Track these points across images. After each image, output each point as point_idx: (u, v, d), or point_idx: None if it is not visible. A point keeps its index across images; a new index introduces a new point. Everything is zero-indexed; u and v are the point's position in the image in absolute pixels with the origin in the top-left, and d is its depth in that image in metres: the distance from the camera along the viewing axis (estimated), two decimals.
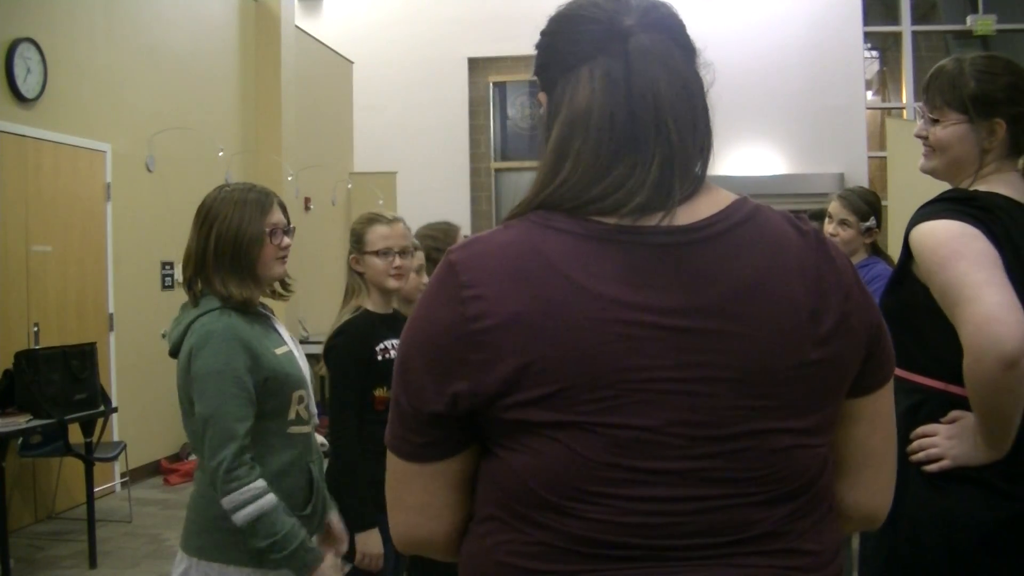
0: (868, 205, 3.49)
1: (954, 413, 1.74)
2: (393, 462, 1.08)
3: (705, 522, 0.98)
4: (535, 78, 1.13)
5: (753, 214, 1.04)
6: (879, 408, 1.11)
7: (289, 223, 2.25)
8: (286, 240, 2.23)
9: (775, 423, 1.00)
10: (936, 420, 1.77)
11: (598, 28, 1.05)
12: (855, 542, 3.71)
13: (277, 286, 2.28)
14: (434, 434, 1.03)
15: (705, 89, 1.08)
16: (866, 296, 1.07)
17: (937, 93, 1.88)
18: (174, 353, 2.17)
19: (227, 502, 2.00)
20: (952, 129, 1.86)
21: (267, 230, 2.17)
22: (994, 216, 1.73)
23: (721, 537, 0.98)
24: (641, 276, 0.98)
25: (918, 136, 1.94)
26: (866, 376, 1.08)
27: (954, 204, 1.76)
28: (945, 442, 1.74)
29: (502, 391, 0.98)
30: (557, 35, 1.10)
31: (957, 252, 1.67)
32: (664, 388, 0.97)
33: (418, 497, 1.07)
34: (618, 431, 0.96)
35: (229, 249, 2.14)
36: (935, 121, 1.89)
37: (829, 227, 3.48)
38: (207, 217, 2.17)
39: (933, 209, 1.77)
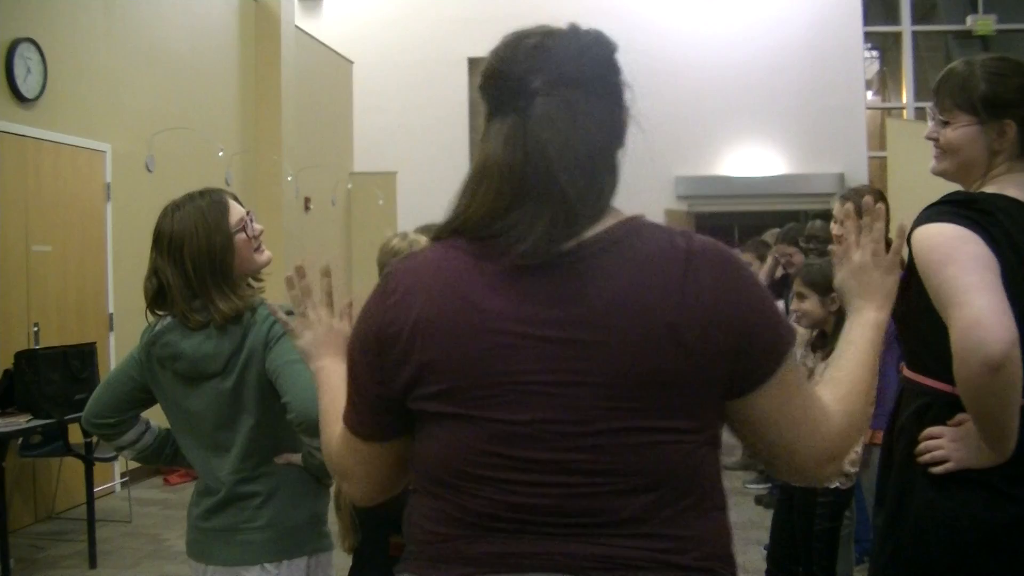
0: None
1: (960, 416, 1.74)
2: (345, 435, 1.30)
3: (573, 506, 1.13)
4: None
5: (628, 236, 1.17)
6: (773, 397, 1.19)
7: (246, 209, 2.19)
8: (257, 227, 2.18)
9: (635, 422, 1.13)
10: (943, 422, 1.78)
11: (509, 86, 1.18)
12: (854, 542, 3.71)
13: (251, 279, 2.22)
14: (374, 419, 1.25)
15: (622, 127, 1.22)
16: (734, 305, 1.15)
17: (947, 95, 1.88)
18: (217, 370, 2.10)
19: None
20: (962, 131, 1.86)
21: (233, 231, 2.12)
22: (994, 219, 1.73)
23: (587, 519, 1.13)
24: (523, 293, 1.15)
25: (928, 138, 1.94)
26: (745, 375, 1.17)
27: (953, 207, 1.76)
28: (950, 444, 1.75)
29: (409, 386, 1.18)
30: (484, 84, 1.22)
31: (948, 256, 1.68)
32: (535, 389, 1.13)
33: (360, 467, 1.31)
34: (496, 424, 1.14)
35: (207, 266, 2.08)
36: (945, 123, 1.89)
37: (836, 228, 3.48)
38: (172, 243, 2.10)
39: (932, 212, 1.78)
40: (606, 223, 1.18)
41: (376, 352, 1.20)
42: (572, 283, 1.14)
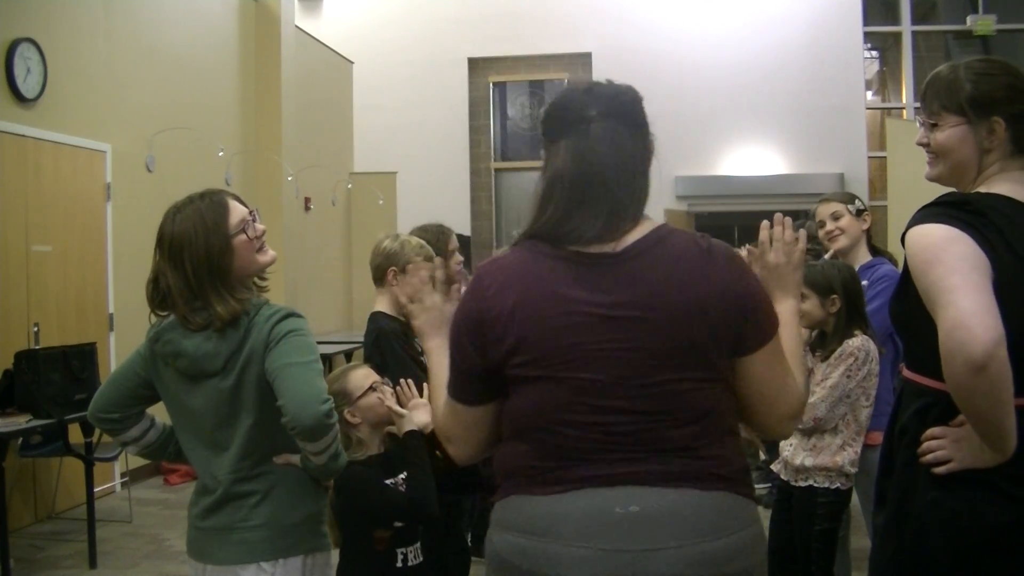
0: (849, 194, 3.61)
1: (961, 416, 1.74)
2: (451, 404, 1.70)
3: (638, 438, 1.55)
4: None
5: (664, 238, 1.60)
6: (765, 361, 1.62)
7: (249, 208, 2.19)
8: (259, 227, 2.19)
9: (675, 375, 1.55)
10: (944, 423, 1.78)
11: (571, 116, 1.63)
12: (854, 542, 3.71)
13: (255, 278, 2.23)
14: (474, 386, 1.65)
15: (649, 153, 1.65)
16: (742, 288, 1.59)
17: (934, 99, 1.90)
18: (217, 369, 2.11)
19: (331, 436, 2.04)
20: (951, 132, 1.87)
21: (232, 233, 2.12)
22: (987, 219, 1.74)
23: (650, 446, 1.55)
24: (589, 283, 1.57)
25: (919, 144, 1.95)
26: (748, 339, 1.60)
27: (945, 208, 1.77)
28: (952, 444, 1.76)
29: (506, 357, 1.58)
30: (550, 115, 1.68)
31: (936, 257, 1.69)
32: (603, 355, 1.55)
33: (463, 431, 1.70)
34: (576, 381, 1.55)
35: (206, 270, 2.09)
36: (934, 126, 1.90)
37: (826, 229, 3.50)
38: (172, 247, 2.11)
39: (924, 214, 1.79)
40: (644, 229, 1.60)
41: (478, 332, 1.59)
42: (625, 276, 1.56)
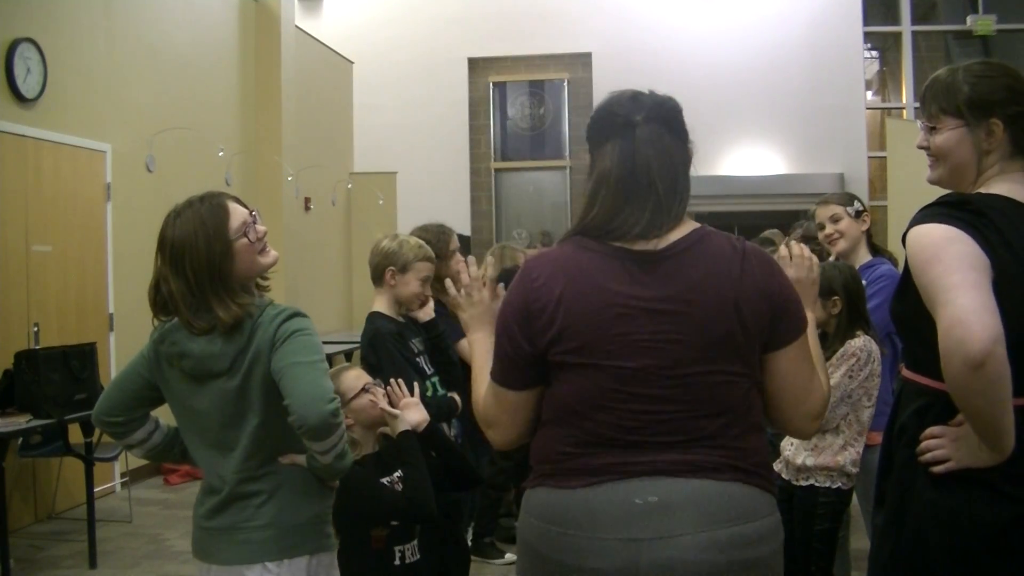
0: (847, 195, 3.59)
1: (960, 416, 1.74)
2: (494, 389, 1.78)
3: (668, 427, 1.63)
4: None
5: (702, 238, 1.71)
6: (793, 357, 1.72)
7: (251, 209, 2.18)
8: (260, 229, 2.17)
9: (708, 367, 1.64)
10: (943, 422, 1.78)
11: (619, 120, 1.73)
12: (853, 542, 3.71)
13: (258, 279, 2.22)
14: (519, 371, 1.73)
15: (689, 158, 1.77)
16: (775, 287, 1.70)
17: (932, 102, 1.91)
18: (223, 370, 2.10)
19: (338, 435, 2.03)
20: (949, 134, 1.89)
21: (233, 237, 2.11)
22: (987, 218, 1.74)
23: (681, 436, 1.64)
24: (633, 277, 1.66)
25: (920, 147, 1.96)
26: (778, 335, 1.70)
27: (945, 208, 1.78)
28: (951, 444, 1.76)
29: (551, 344, 1.67)
30: (597, 119, 1.77)
31: (935, 256, 1.70)
32: (642, 345, 1.64)
33: (505, 415, 1.79)
34: (616, 369, 1.64)
35: (207, 275, 2.08)
36: (933, 129, 1.92)
37: (825, 232, 3.50)
38: (173, 251, 2.11)
39: (924, 214, 1.80)
40: (685, 229, 1.71)
41: (526, 320, 1.69)
42: (666, 272, 1.66)
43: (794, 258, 1.99)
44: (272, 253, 2.20)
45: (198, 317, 2.10)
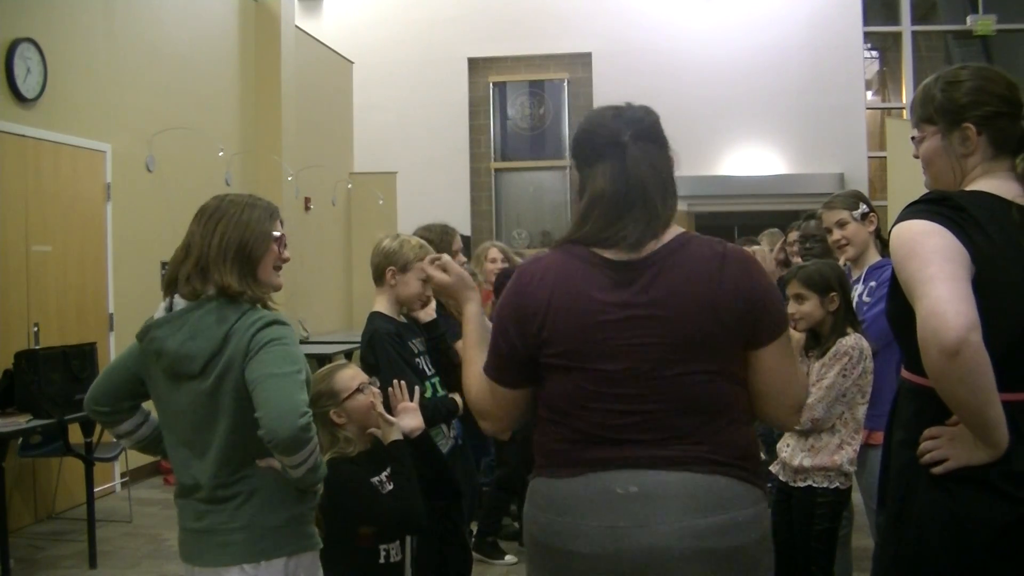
0: (852, 197, 3.51)
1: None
2: (489, 384, 1.88)
3: (650, 425, 1.73)
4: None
5: (685, 244, 1.78)
6: (775, 355, 1.79)
7: (283, 234, 2.27)
8: (286, 253, 2.24)
9: (686, 367, 1.73)
10: (941, 422, 1.78)
11: (606, 140, 1.81)
12: (854, 541, 3.71)
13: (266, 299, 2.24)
14: (513, 370, 1.84)
15: (672, 163, 1.84)
16: (754, 288, 1.76)
17: (915, 111, 1.96)
18: (195, 372, 2.10)
19: (308, 450, 2.03)
20: (928, 143, 1.93)
21: (275, 235, 2.19)
22: (967, 213, 1.76)
23: (662, 433, 1.73)
24: (614, 285, 1.76)
25: (916, 156, 2.00)
26: (760, 334, 1.77)
27: (925, 205, 1.81)
28: (948, 443, 1.76)
29: (542, 346, 1.78)
30: (583, 139, 1.85)
31: (912, 250, 1.73)
32: (624, 348, 1.73)
33: (498, 409, 1.91)
34: (599, 372, 1.75)
35: (235, 245, 2.12)
36: (916, 139, 1.96)
37: (833, 238, 3.48)
38: (212, 215, 2.16)
39: (906, 212, 1.82)
40: (669, 235, 1.78)
41: (520, 322, 1.79)
42: (648, 278, 1.75)
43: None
44: (282, 280, 2.26)
45: (190, 281, 2.12)
